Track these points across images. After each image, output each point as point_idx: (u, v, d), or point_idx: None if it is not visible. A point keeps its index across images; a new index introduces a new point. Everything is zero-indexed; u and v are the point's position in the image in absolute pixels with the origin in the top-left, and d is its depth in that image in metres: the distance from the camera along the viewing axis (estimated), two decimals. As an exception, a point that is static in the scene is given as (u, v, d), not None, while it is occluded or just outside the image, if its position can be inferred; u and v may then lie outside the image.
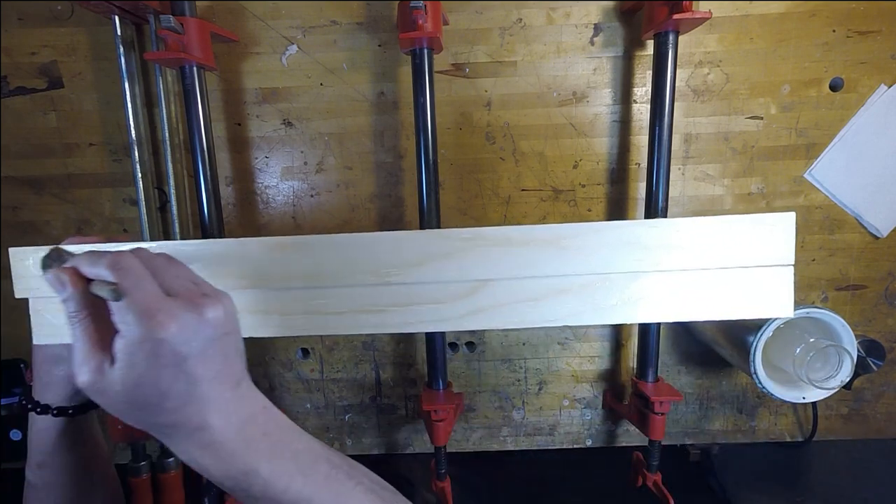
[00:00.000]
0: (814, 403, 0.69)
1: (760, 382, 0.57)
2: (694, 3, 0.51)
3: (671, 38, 0.56)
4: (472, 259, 0.36)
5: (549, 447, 0.73)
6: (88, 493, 0.43)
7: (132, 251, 0.32)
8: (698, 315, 0.36)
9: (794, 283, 0.68)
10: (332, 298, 0.37)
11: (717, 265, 0.35)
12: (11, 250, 0.37)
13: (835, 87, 0.63)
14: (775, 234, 0.35)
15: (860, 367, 0.63)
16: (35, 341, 0.38)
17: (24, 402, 0.40)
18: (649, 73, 0.61)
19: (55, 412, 0.39)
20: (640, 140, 0.65)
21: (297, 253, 0.36)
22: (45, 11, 0.62)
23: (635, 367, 0.68)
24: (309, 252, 0.36)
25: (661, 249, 0.35)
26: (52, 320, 0.37)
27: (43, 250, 0.36)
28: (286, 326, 0.37)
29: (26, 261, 0.37)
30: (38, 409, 0.39)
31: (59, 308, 0.37)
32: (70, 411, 0.40)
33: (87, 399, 0.42)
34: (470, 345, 0.70)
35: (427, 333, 0.64)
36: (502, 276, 0.36)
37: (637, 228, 0.35)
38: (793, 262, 0.35)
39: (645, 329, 0.64)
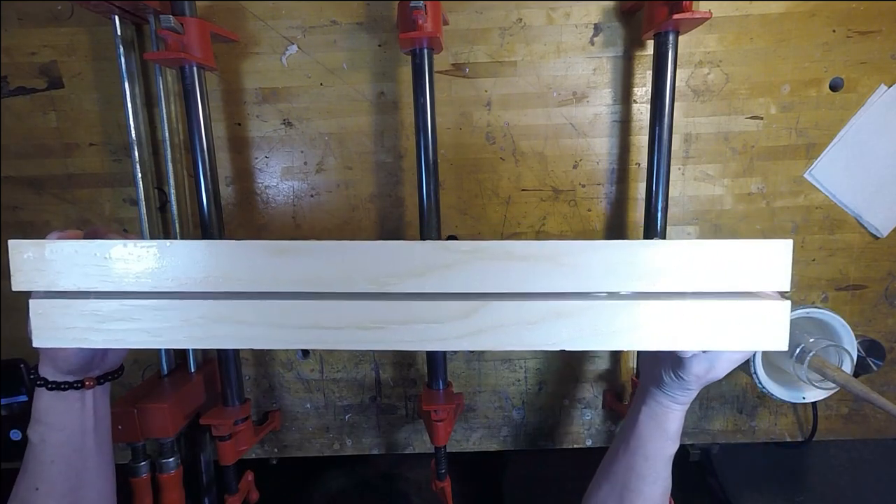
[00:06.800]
0: (814, 403, 0.69)
1: (760, 382, 0.57)
2: (694, 3, 0.51)
3: (671, 38, 0.56)
4: (473, 271, 0.36)
5: (549, 447, 0.73)
6: (83, 457, 0.46)
7: None
8: (694, 345, 0.36)
9: (795, 283, 0.68)
10: (330, 312, 0.37)
11: (715, 288, 0.36)
12: (11, 242, 0.37)
13: (835, 87, 0.63)
14: (772, 259, 0.35)
15: (860, 367, 0.63)
16: (35, 344, 0.38)
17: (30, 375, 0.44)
18: (649, 73, 0.61)
19: (50, 386, 0.43)
20: (640, 140, 0.65)
21: (297, 257, 0.36)
22: (45, 11, 0.62)
23: (635, 367, 0.68)
24: (308, 257, 0.36)
25: (658, 271, 0.36)
26: (58, 323, 0.37)
27: (42, 243, 0.37)
28: (284, 339, 0.37)
29: (25, 254, 0.37)
30: (38, 383, 0.44)
31: (67, 311, 0.37)
32: (62, 387, 0.43)
33: (82, 377, 0.45)
34: (470, 345, 0.70)
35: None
36: (501, 289, 0.36)
37: (635, 249, 0.36)
38: (788, 289, 0.36)
39: (645, 329, 0.64)
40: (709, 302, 0.35)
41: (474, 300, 0.36)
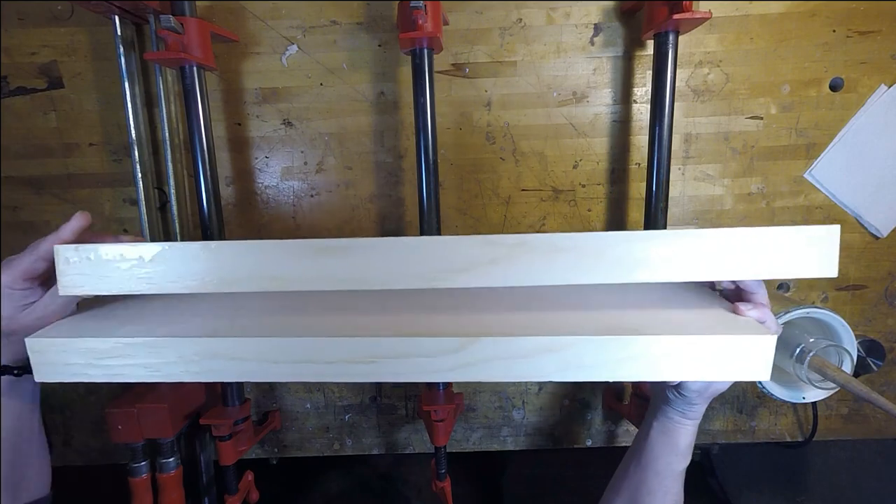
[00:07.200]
0: (814, 403, 0.69)
1: (760, 382, 0.57)
2: (694, 3, 0.51)
3: (671, 38, 0.56)
4: (518, 265, 0.36)
5: (549, 447, 0.73)
6: (28, 436, 0.46)
7: None
8: (679, 377, 0.37)
9: (795, 282, 0.68)
10: (323, 348, 0.37)
11: (764, 275, 0.36)
12: (56, 247, 0.37)
13: (835, 87, 0.63)
14: (820, 245, 0.35)
15: (860, 367, 0.63)
16: (37, 379, 0.39)
17: None
18: (649, 73, 0.61)
19: (17, 372, 0.43)
20: (640, 140, 0.65)
21: (341, 256, 0.37)
22: (45, 11, 0.62)
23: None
24: (355, 256, 0.37)
25: (704, 260, 0.36)
26: (57, 360, 0.38)
27: (86, 248, 0.37)
28: (278, 373, 0.38)
29: (71, 259, 0.37)
30: None
31: (64, 349, 0.38)
32: (30, 370, 0.42)
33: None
34: (470, 345, 0.70)
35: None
36: (546, 282, 0.36)
37: (681, 238, 0.36)
38: (836, 274, 0.35)
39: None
40: (694, 337, 0.35)
41: (464, 336, 0.36)
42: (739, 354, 0.35)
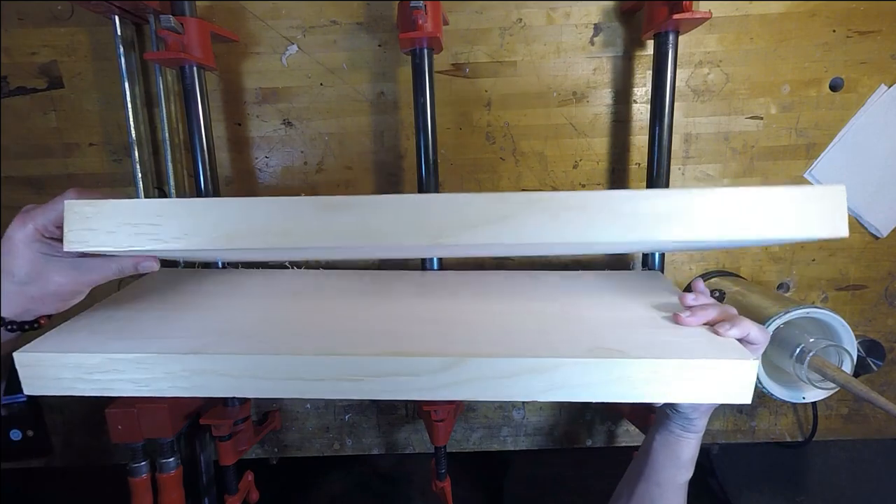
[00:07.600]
0: (814, 403, 0.69)
1: (760, 382, 0.57)
2: (694, 3, 0.51)
3: (671, 38, 0.56)
4: (528, 223, 0.36)
5: (549, 447, 0.73)
6: None
7: None
8: (662, 398, 0.37)
9: (795, 282, 0.68)
10: (311, 366, 0.37)
11: (773, 235, 0.35)
12: (67, 202, 0.37)
13: (835, 87, 0.63)
14: (828, 204, 0.35)
15: (860, 367, 0.63)
16: (26, 392, 0.39)
17: None
18: (649, 73, 0.61)
19: (11, 327, 0.41)
20: (640, 140, 0.65)
21: (350, 212, 0.36)
22: (45, 11, 0.62)
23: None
24: (362, 212, 0.36)
25: (716, 217, 0.35)
26: (46, 374, 0.38)
27: (100, 203, 0.36)
28: (267, 389, 0.38)
29: (81, 213, 0.37)
30: None
31: (52, 363, 0.38)
32: (24, 328, 0.41)
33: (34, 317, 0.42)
34: (470, 345, 0.70)
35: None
36: (555, 239, 0.36)
37: (692, 196, 0.35)
38: (847, 234, 0.35)
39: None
40: (677, 361, 0.35)
41: (450, 356, 0.36)
42: (721, 378, 0.35)
